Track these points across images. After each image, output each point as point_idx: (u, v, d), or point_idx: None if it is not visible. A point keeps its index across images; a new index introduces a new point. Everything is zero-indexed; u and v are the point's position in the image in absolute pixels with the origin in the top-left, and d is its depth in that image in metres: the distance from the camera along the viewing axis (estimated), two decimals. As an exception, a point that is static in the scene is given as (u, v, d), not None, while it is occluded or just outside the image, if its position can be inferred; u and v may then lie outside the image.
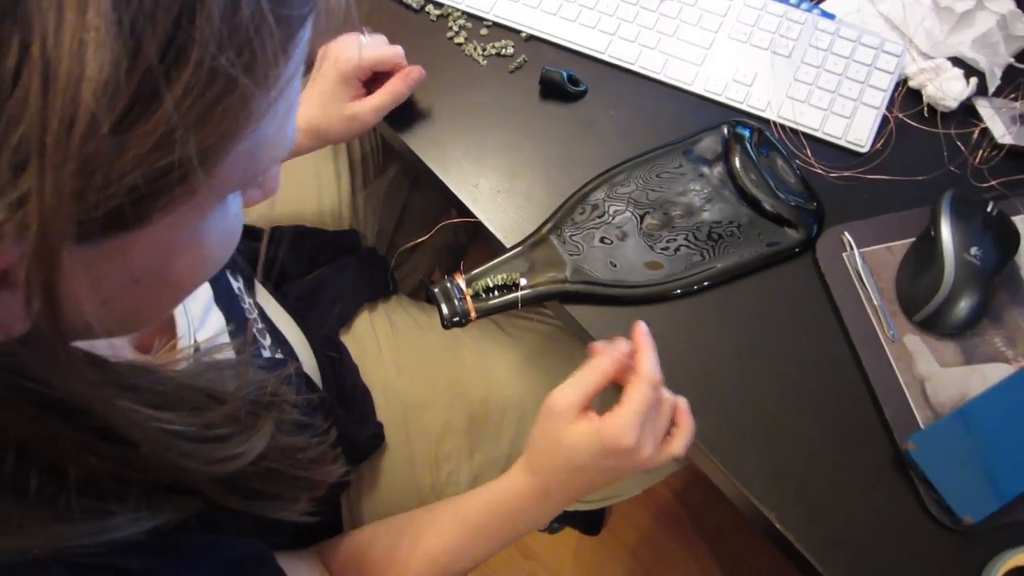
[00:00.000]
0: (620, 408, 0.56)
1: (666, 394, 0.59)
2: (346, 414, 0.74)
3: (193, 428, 0.37)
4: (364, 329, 0.85)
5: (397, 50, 0.73)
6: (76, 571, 0.34)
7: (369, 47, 0.72)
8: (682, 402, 0.60)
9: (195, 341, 0.54)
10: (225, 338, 0.57)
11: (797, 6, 0.80)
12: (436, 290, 0.68)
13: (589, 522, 1.39)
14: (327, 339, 0.79)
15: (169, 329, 0.53)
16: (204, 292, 0.58)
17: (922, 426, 0.62)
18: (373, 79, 0.74)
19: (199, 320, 0.56)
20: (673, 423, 0.60)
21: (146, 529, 0.37)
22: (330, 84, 0.71)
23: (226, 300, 0.60)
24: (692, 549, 1.40)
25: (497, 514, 0.61)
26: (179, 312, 0.53)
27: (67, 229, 0.24)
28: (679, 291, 0.69)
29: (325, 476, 0.50)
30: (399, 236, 1.03)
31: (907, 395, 0.64)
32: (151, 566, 0.38)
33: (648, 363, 0.57)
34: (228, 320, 0.58)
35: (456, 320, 0.66)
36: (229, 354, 0.49)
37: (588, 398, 0.58)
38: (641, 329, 0.60)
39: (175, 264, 0.32)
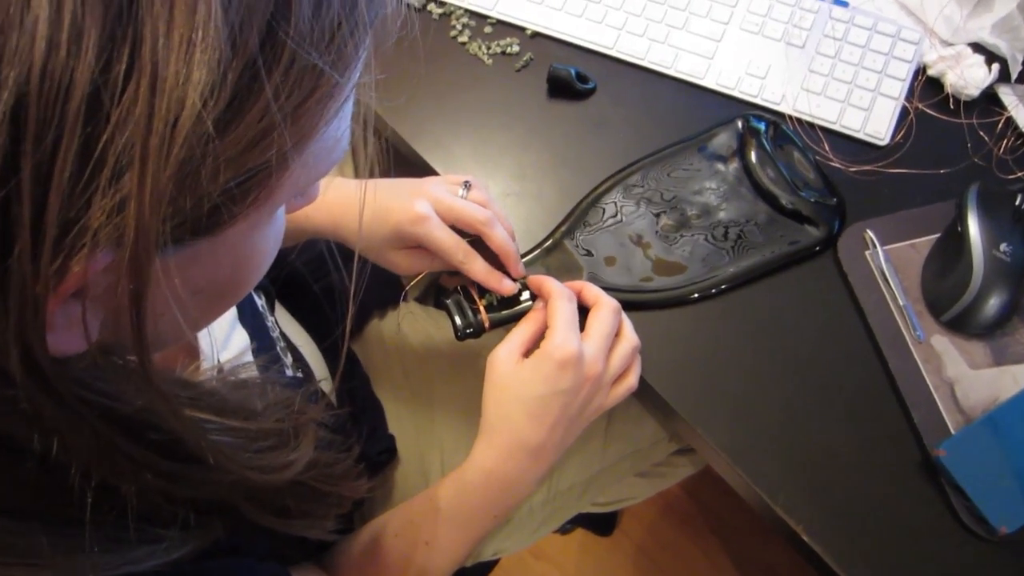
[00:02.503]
0: (553, 323, 0.57)
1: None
2: (359, 430, 0.72)
3: (251, 433, 0.37)
4: (374, 338, 0.83)
5: (485, 215, 0.60)
6: None
7: (458, 202, 0.61)
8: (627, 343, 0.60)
9: (219, 362, 0.52)
10: (249, 357, 0.55)
11: (811, -5, 0.77)
12: (449, 301, 0.65)
13: (600, 523, 1.38)
14: (339, 348, 0.77)
15: (191, 350, 0.51)
16: (228, 311, 0.56)
17: (952, 431, 0.60)
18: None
19: (223, 341, 0.54)
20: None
21: (176, 556, 0.37)
22: (387, 228, 0.60)
23: (251, 319, 0.58)
24: (703, 547, 1.38)
25: (467, 495, 0.60)
26: (202, 332, 0.52)
27: (161, 236, 0.24)
28: (697, 295, 0.67)
29: (352, 492, 0.49)
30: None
31: (936, 399, 0.62)
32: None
33: (556, 286, 0.59)
34: (252, 339, 0.56)
35: (469, 332, 0.64)
36: (253, 373, 0.48)
37: (525, 346, 0.58)
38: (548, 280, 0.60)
39: (240, 269, 0.33)
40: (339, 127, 0.31)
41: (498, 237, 0.60)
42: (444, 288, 0.68)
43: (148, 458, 0.32)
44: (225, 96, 0.24)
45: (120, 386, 0.29)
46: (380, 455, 0.73)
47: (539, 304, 0.61)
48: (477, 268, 0.60)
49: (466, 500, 0.60)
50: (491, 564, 0.86)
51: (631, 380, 0.61)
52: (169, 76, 0.22)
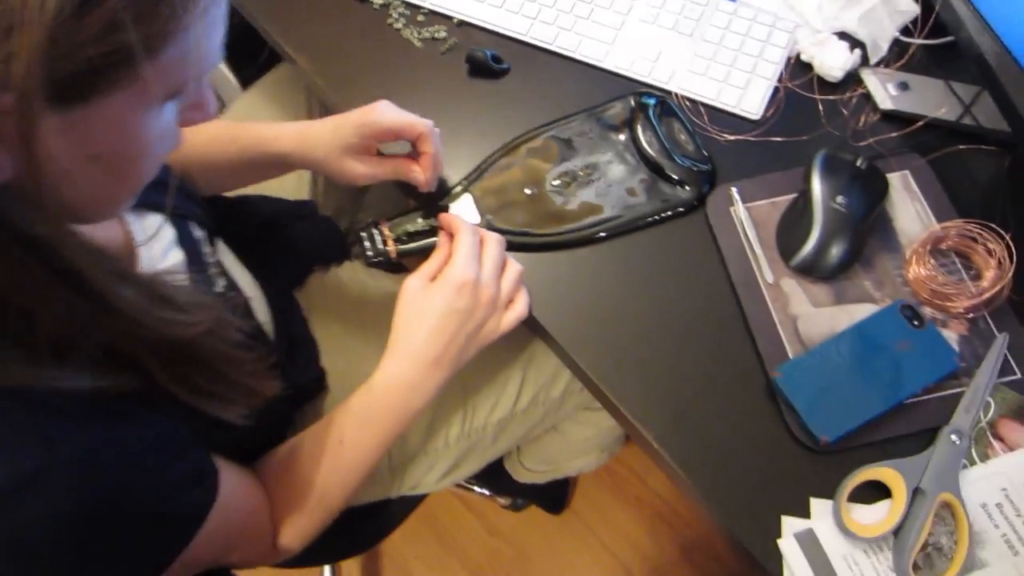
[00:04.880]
0: (455, 253, 0.69)
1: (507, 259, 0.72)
2: (293, 360, 0.81)
3: (152, 291, 0.47)
4: (315, 288, 0.93)
5: (426, 125, 0.72)
6: (29, 402, 0.43)
7: (398, 115, 0.72)
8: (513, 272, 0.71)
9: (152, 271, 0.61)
10: (182, 270, 0.64)
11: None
12: (362, 232, 0.75)
13: (550, 500, 1.45)
14: (281, 293, 0.87)
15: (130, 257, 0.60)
16: (166, 234, 0.66)
17: (790, 355, 0.68)
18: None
19: (159, 258, 0.64)
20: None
21: (91, 386, 0.46)
22: (347, 128, 0.73)
23: (188, 244, 0.67)
24: (651, 531, 1.45)
25: (375, 398, 0.68)
26: (142, 250, 0.61)
27: (41, 86, 0.35)
28: (582, 240, 0.76)
29: (262, 388, 0.57)
30: (361, 212, 1.11)
31: (780, 332, 0.70)
32: (89, 413, 0.46)
33: (463, 224, 0.71)
34: (188, 263, 0.66)
35: (378, 260, 0.74)
36: (181, 283, 0.58)
37: (432, 275, 0.69)
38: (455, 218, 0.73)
39: (125, 147, 0.43)
40: (193, 37, 0.41)
41: (434, 144, 0.72)
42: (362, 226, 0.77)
43: (53, 283, 0.42)
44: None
45: (31, 215, 0.39)
46: (311, 383, 0.82)
47: (444, 239, 0.71)
48: (432, 151, 0.72)
49: (373, 401, 0.69)
50: (416, 500, 0.94)
51: (520, 306, 0.71)
52: None
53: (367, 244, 0.74)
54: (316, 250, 0.95)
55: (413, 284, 0.69)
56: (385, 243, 0.74)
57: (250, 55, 1.23)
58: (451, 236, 0.71)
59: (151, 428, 0.51)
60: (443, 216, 0.73)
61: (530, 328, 0.75)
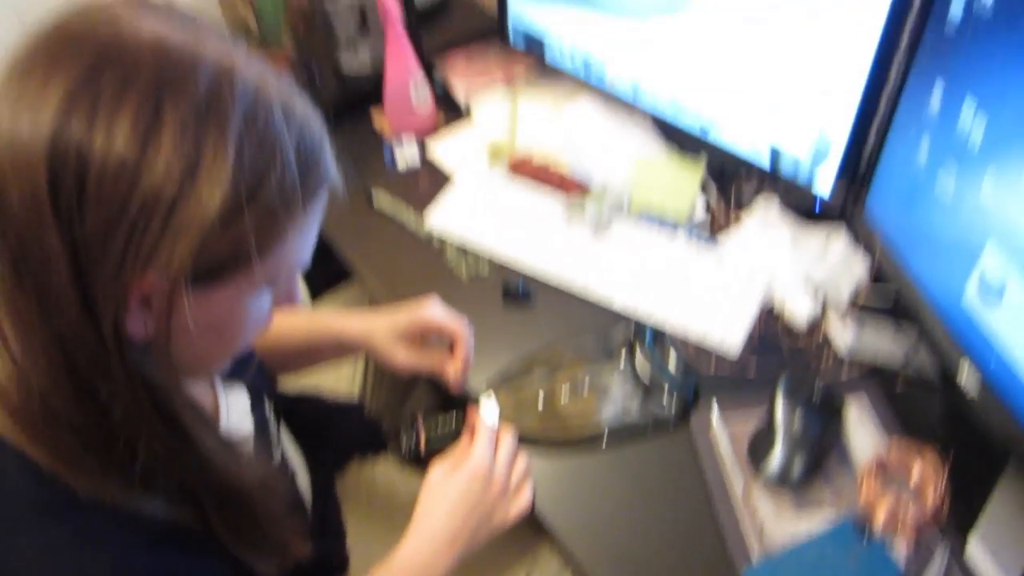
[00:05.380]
0: (473, 445, 0.82)
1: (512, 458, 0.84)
2: (324, 533, 0.94)
3: (223, 444, 0.62)
4: (352, 478, 1.08)
5: (463, 329, 0.90)
6: (116, 518, 0.56)
7: (444, 314, 0.91)
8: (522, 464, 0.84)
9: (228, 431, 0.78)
10: (250, 434, 0.80)
11: (695, 244, 1.08)
12: (401, 430, 0.92)
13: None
14: (323, 476, 1.02)
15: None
16: (242, 403, 0.83)
17: (753, 561, 0.79)
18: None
19: (235, 420, 0.80)
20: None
21: (165, 515, 0.58)
22: (401, 319, 0.91)
23: (258, 415, 0.84)
24: None
25: (393, 571, 0.78)
26: (223, 412, 0.78)
27: (188, 271, 0.50)
28: (583, 442, 0.90)
29: (295, 548, 0.70)
30: (402, 410, 1.28)
31: (747, 537, 0.81)
32: (160, 538, 0.59)
33: (483, 421, 0.85)
34: (255, 428, 0.82)
35: (409, 456, 0.90)
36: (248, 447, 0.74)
37: (454, 466, 0.81)
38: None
39: (232, 320, 0.58)
40: (294, 244, 0.56)
41: (466, 349, 0.90)
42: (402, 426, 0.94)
43: (157, 423, 0.55)
44: (223, 213, 0.49)
45: (156, 365, 0.54)
46: (335, 562, 0.94)
47: (467, 434, 0.86)
48: (465, 351, 0.89)
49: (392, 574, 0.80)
50: None
51: (526, 493, 0.84)
52: (203, 198, 0.48)
53: (403, 438, 0.91)
54: (358, 444, 1.11)
55: (436, 472, 0.82)
56: (418, 439, 0.90)
57: (322, 276, 1.48)
58: (472, 431, 0.86)
59: (203, 564, 0.63)
60: (469, 413, 0.89)
61: (533, 527, 0.88)
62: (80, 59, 0.47)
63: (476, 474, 0.80)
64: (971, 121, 0.78)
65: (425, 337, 0.93)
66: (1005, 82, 0.73)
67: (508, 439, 0.85)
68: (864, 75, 0.92)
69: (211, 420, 0.64)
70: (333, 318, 0.97)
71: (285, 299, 0.65)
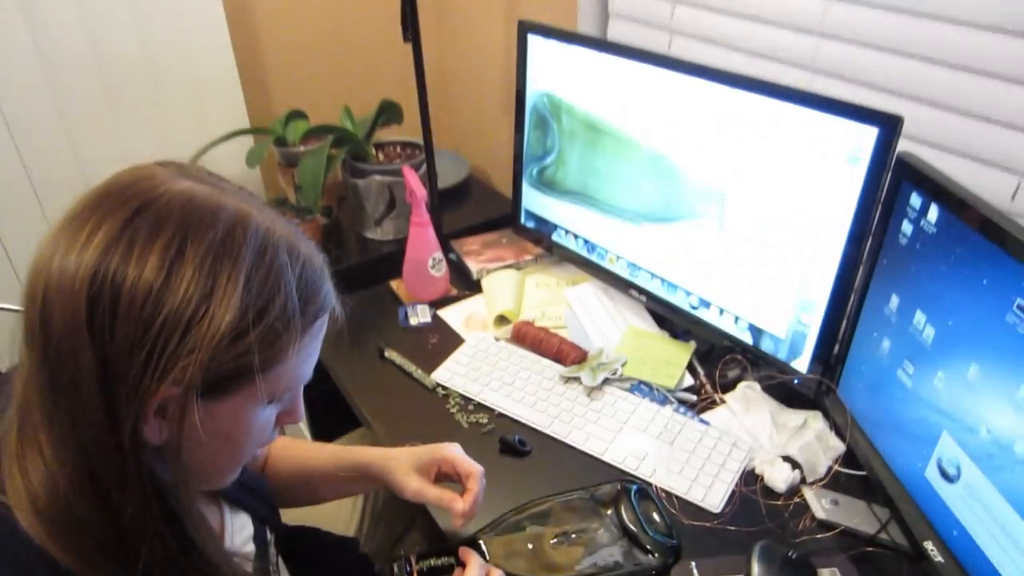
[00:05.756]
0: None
1: None
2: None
3: (223, 553, 0.67)
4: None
5: (475, 472, 0.95)
6: None
7: (461, 455, 0.98)
8: None
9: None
10: (251, 558, 0.85)
11: (682, 413, 1.16)
12: (393, 561, 0.95)
13: None
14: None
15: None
16: (247, 529, 0.88)
17: None
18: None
19: (238, 544, 0.85)
20: None
21: None
22: (422, 452, 0.99)
23: (260, 542, 0.89)
24: None
25: None
26: (228, 531, 0.83)
27: (199, 383, 0.58)
28: (567, 588, 0.93)
29: None
30: (395, 552, 1.30)
31: None
32: None
33: (475, 557, 0.88)
34: (256, 554, 0.87)
35: None
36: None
37: None
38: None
39: (237, 430, 0.65)
40: (294, 363, 0.64)
41: (476, 490, 0.94)
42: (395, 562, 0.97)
43: (161, 523, 0.61)
44: (232, 334, 0.57)
45: (165, 470, 0.61)
46: None
47: (458, 571, 0.89)
48: (476, 489, 0.94)
49: None
50: None
51: None
52: (215, 319, 0.56)
53: (395, 571, 0.94)
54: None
55: None
56: (411, 572, 0.93)
57: (332, 423, 1.54)
58: (463, 567, 0.90)
59: None
60: (462, 549, 0.93)
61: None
62: (122, 210, 0.57)
63: None
64: (923, 327, 0.89)
65: (439, 475, 0.99)
66: (948, 296, 0.85)
67: (497, 572, 0.89)
68: (831, 282, 1.06)
69: (214, 531, 0.69)
70: (356, 448, 1.04)
71: (288, 415, 0.73)
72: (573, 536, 0.99)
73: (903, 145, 0.95)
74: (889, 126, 0.95)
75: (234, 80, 1.76)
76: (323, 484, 1.06)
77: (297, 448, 1.06)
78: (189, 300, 0.56)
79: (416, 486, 0.96)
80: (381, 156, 1.72)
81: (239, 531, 0.86)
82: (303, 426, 1.76)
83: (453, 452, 0.97)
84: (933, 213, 0.88)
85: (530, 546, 0.98)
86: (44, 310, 0.57)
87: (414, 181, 1.41)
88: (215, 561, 0.66)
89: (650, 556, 0.96)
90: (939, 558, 0.86)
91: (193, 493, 0.65)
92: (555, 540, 0.98)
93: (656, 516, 1.02)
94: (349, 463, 1.03)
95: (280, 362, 0.63)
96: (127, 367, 0.56)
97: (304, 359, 0.67)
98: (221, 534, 0.82)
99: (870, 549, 0.98)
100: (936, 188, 0.88)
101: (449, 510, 0.95)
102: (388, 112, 1.70)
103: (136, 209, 0.58)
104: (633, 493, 1.03)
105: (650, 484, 1.07)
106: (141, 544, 0.60)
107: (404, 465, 0.98)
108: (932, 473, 0.88)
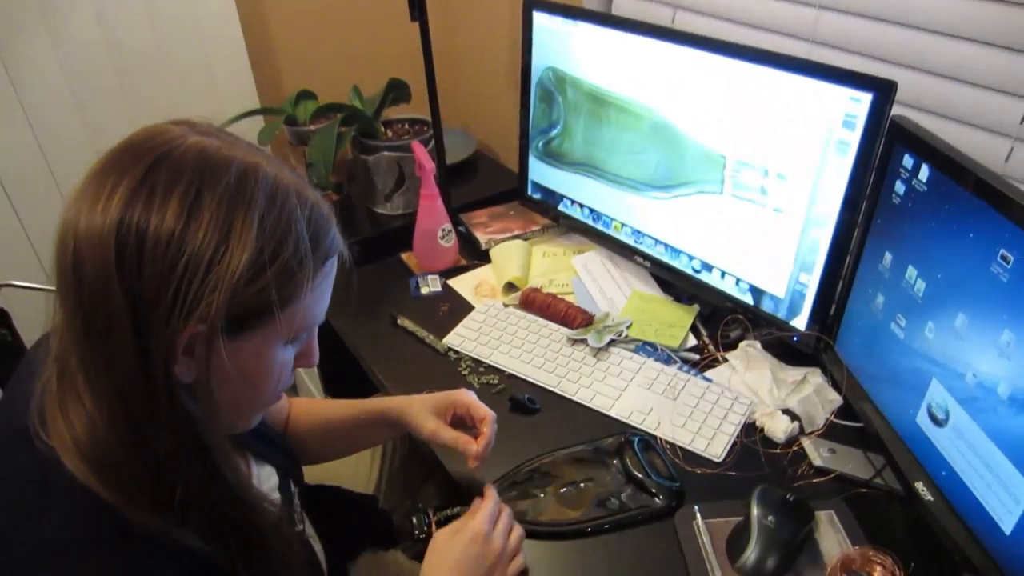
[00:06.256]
0: (477, 512, 0.91)
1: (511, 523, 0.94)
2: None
3: (248, 484, 0.72)
4: (363, 565, 1.14)
5: (488, 416, 1.01)
6: (159, 547, 0.65)
7: (475, 400, 1.03)
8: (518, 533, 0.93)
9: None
10: (277, 505, 0.90)
11: (686, 371, 1.21)
12: (412, 514, 1.01)
13: None
14: (337, 558, 1.09)
15: None
16: (271, 481, 0.93)
17: (730, 637, 0.86)
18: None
19: (266, 493, 0.90)
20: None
21: (199, 547, 0.67)
22: (439, 399, 1.04)
23: (285, 493, 0.93)
24: None
25: None
26: (255, 478, 0.88)
27: (222, 321, 0.62)
28: (575, 532, 0.99)
29: None
30: (411, 504, 1.35)
31: (725, 618, 0.88)
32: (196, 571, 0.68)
33: (492, 492, 0.95)
34: (281, 503, 0.92)
35: (421, 536, 0.98)
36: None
37: (458, 530, 0.90)
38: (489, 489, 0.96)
39: (259, 368, 0.70)
40: (310, 299, 0.69)
41: (492, 428, 1.00)
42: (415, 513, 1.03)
43: (194, 457, 0.66)
44: (250, 271, 0.61)
45: (197, 409, 0.65)
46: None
47: (475, 503, 0.95)
48: (490, 433, 0.99)
49: None
50: None
51: (519, 563, 0.92)
52: (234, 258, 0.60)
53: (416, 522, 0.99)
54: (372, 535, 1.18)
55: (441, 535, 0.91)
56: (430, 522, 0.99)
57: (347, 390, 1.59)
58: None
59: None
60: (478, 497, 0.98)
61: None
62: (140, 164, 0.61)
63: (475, 535, 0.89)
64: (914, 282, 0.94)
65: (455, 419, 1.04)
66: (938, 251, 0.90)
67: (507, 511, 0.95)
68: (828, 243, 1.10)
69: (244, 471, 0.73)
70: (375, 398, 1.10)
71: (305, 357, 0.77)
72: (581, 485, 1.04)
73: (905, 114, 1.00)
74: (883, 91, 0.99)
75: (244, 61, 1.80)
76: (345, 435, 1.11)
77: (318, 404, 1.12)
78: (208, 242, 0.61)
79: (433, 426, 1.01)
80: (390, 133, 1.76)
81: (266, 480, 0.91)
82: (318, 395, 1.82)
83: (468, 397, 1.03)
84: (924, 173, 0.93)
85: (541, 495, 1.03)
86: (76, 261, 0.61)
87: (423, 154, 1.46)
88: (247, 498, 0.71)
89: (655, 499, 1.02)
90: (929, 497, 0.91)
91: (223, 432, 0.69)
92: (564, 490, 1.04)
93: (659, 462, 1.07)
94: (369, 410, 1.08)
95: (296, 300, 0.68)
96: (155, 307, 0.60)
97: (317, 298, 0.71)
98: (248, 475, 0.87)
99: (864, 490, 1.03)
100: (926, 149, 0.92)
101: (464, 451, 1.00)
102: (396, 90, 1.74)
103: (153, 163, 0.62)
104: (636, 443, 1.09)
105: (655, 437, 1.12)
106: (177, 480, 0.65)
107: (421, 408, 1.03)
108: (923, 419, 0.92)
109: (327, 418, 1.08)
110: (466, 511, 1.00)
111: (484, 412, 1.01)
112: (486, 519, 0.91)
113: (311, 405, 1.12)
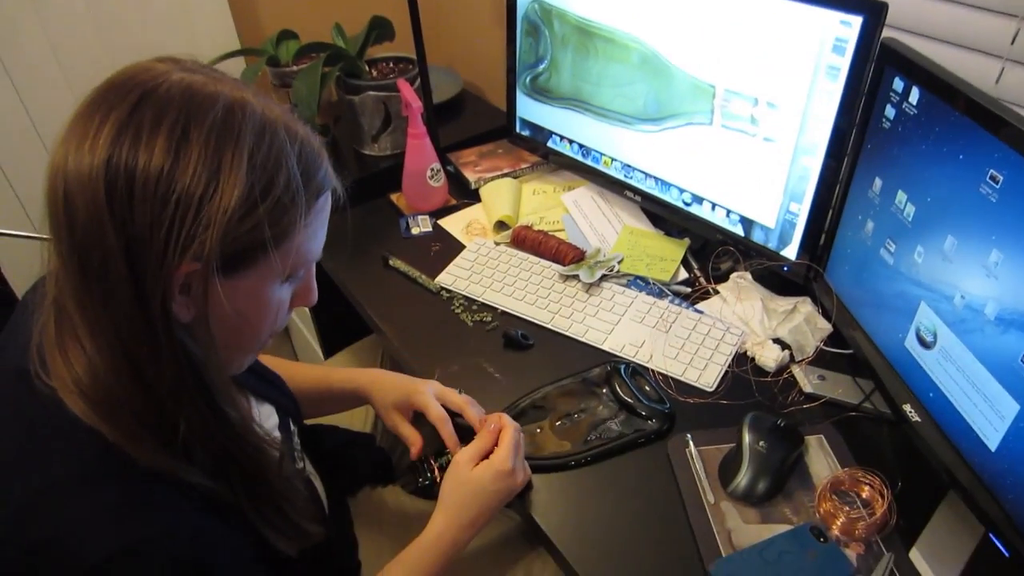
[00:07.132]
0: (501, 447, 0.92)
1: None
2: (337, 543, 1.02)
3: (251, 421, 0.73)
4: (364, 497, 1.16)
5: (465, 399, 1.01)
6: (165, 483, 0.66)
7: (430, 403, 1.01)
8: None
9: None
10: (277, 444, 0.91)
11: (677, 304, 1.22)
12: (412, 465, 1.03)
13: None
14: (337, 495, 1.11)
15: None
16: (271, 419, 0.93)
17: (723, 556, 0.88)
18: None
19: (267, 432, 0.91)
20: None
21: (203, 483, 0.68)
22: (401, 392, 1.04)
23: (285, 432, 0.95)
24: None
25: (424, 551, 0.89)
26: (255, 416, 0.88)
27: (217, 259, 0.62)
28: (574, 462, 1.00)
29: (309, 529, 0.80)
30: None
31: (717, 539, 0.90)
32: (201, 504, 0.68)
33: (509, 421, 0.96)
34: (282, 441, 0.93)
35: (425, 485, 1.00)
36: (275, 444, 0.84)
37: (479, 456, 0.93)
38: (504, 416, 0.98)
39: (256, 307, 0.70)
40: (304, 236, 0.68)
41: (471, 415, 1.00)
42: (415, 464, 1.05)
43: (196, 394, 0.66)
44: (243, 208, 0.61)
45: (196, 347, 0.66)
46: (346, 568, 1.03)
47: (491, 428, 0.96)
48: (447, 432, 1.00)
49: (424, 552, 0.90)
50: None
51: (526, 474, 0.96)
52: (225, 195, 0.60)
53: (419, 476, 1.02)
54: (371, 472, 1.20)
55: (464, 462, 0.93)
56: (433, 472, 1.01)
57: (340, 333, 1.60)
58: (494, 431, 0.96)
59: (235, 534, 0.71)
60: (492, 416, 0.99)
61: (528, 536, 0.97)
62: (125, 102, 0.60)
63: (501, 472, 0.92)
64: (904, 206, 0.94)
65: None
66: (927, 174, 0.90)
67: (521, 437, 0.97)
68: (818, 170, 1.10)
69: (244, 408, 0.73)
70: (342, 371, 1.11)
71: (302, 296, 0.77)
72: (576, 416, 1.06)
73: (895, 36, 0.98)
74: (874, 13, 0.98)
75: (222, 0, 1.75)
76: (311, 404, 1.10)
77: (285, 368, 1.10)
78: (199, 178, 0.60)
79: (391, 423, 1.05)
80: (374, 72, 1.73)
81: (266, 419, 0.92)
82: (312, 339, 1.82)
83: (425, 400, 1.02)
84: (914, 96, 0.92)
85: (538, 430, 1.05)
86: (67, 203, 0.60)
87: (409, 93, 1.43)
88: (248, 436, 0.72)
89: (648, 422, 1.03)
90: (916, 418, 0.93)
91: (223, 370, 0.69)
92: (560, 422, 1.05)
93: (648, 388, 1.08)
94: (335, 387, 1.10)
95: (290, 237, 0.67)
96: (149, 246, 0.60)
97: (311, 235, 0.71)
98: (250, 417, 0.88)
99: (853, 415, 1.05)
100: (917, 71, 0.91)
101: (409, 447, 1.04)
102: (380, 28, 1.70)
103: (138, 100, 0.61)
104: (623, 370, 1.10)
105: (648, 368, 1.13)
106: (179, 418, 0.65)
107: (385, 400, 1.05)
108: (911, 342, 0.94)
109: (296, 385, 1.07)
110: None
111: (437, 415, 1.01)
112: (510, 455, 0.93)
113: (279, 367, 1.09)
